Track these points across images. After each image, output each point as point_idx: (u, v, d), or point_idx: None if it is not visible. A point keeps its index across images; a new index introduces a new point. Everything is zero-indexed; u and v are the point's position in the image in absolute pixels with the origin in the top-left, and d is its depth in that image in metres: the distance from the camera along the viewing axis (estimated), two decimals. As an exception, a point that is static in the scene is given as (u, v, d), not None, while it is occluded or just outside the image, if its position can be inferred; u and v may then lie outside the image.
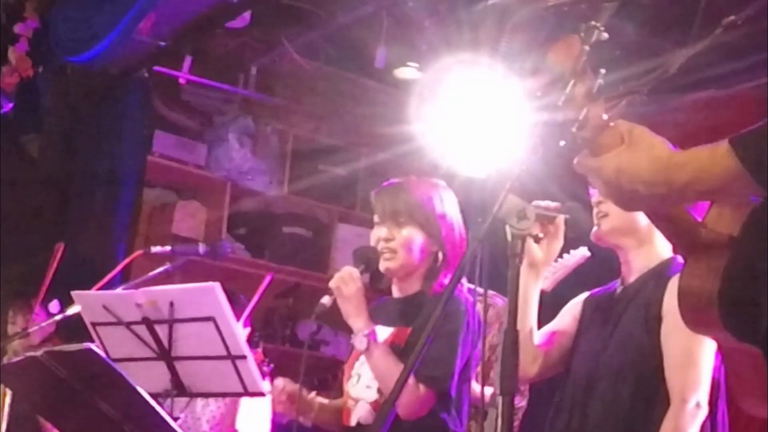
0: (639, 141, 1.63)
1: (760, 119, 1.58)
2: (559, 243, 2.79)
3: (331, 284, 3.10)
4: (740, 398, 1.81)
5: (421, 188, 3.20)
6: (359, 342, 3.02)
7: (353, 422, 3.11)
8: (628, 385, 2.73)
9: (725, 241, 1.66)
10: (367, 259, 3.16)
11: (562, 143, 1.63)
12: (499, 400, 2.11)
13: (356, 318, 3.04)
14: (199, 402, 4.26)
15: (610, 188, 1.64)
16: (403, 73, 5.65)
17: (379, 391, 3.07)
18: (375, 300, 3.31)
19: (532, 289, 2.83)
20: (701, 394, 2.66)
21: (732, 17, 1.67)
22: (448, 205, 3.19)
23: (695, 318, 1.70)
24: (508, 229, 2.32)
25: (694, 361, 2.66)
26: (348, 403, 3.16)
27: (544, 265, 2.82)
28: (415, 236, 3.14)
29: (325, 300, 3.10)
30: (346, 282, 3.06)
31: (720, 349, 1.78)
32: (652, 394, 2.70)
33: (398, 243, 3.14)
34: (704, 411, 2.65)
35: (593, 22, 1.64)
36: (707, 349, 2.67)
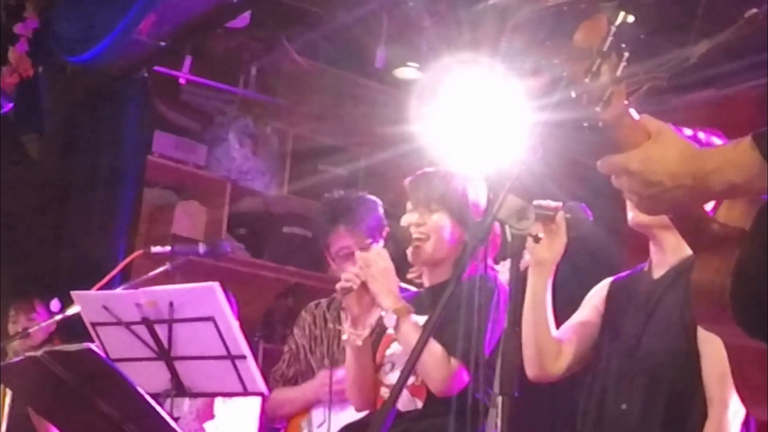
0: (667, 136, 1.62)
1: (760, 119, 1.58)
2: (563, 239, 2.77)
3: (359, 263, 3.08)
4: (745, 400, 1.80)
5: (455, 177, 3.23)
6: (388, 320, 3.02)
7: None
8: (663, 389, 2.69)
9: (737, 236, 1.65)
10: (395, 238, 3.19)
11: (585, 124, 1.62)
12: (499, 400, 2.11)
13: (385, 296, 3.03)
14: (187, 400, 4.27)
15: (635, 182, 1.63)
16: (403, 73, 5.65)
17: (415, 373, 3.06)
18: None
19: (543, 288, 2.81)
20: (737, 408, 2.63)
21: (755, 10, 1.67)
22: (481, 195, 3.22)
23: (706, 313, 1.69)
24: (508, 229, 2.32)
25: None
26: (381, 391, 3.16)
27: (552, 263, 2.81)
28: (446, 223, 3.17)
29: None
30: (375, 260, 3.06)
31: (727, 349, 1.77)
32: (688, 396, 2.66)
33: (429, 228, 3.17)
34: (742, 414, 2.63)
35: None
36: None
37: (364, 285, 3.04)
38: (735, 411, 2.60)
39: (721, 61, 4.56)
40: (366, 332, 3.11)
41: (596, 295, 2.97)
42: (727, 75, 4.78)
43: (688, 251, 2.76)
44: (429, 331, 2.21)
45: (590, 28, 1.61)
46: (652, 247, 2.85)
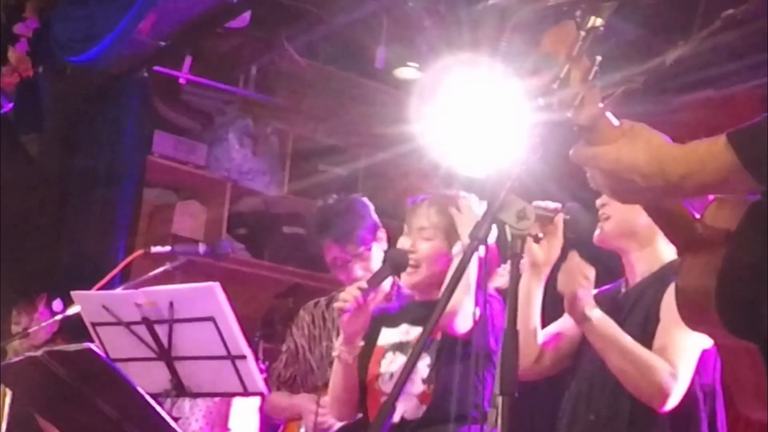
0: (638, 134, 1.62)
1: (759, 119, 1.57)
2: (559, 241, 2.78)
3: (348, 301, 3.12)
4: (738, 400, 1.80)
5: (451, 201, 3.24)
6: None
7: (396, 418, 3.11)
8: (628, 394, 2.72)
9: (723, 237, 1.65)
10: (393, 261, 3.20)
11: (556, 130, 1.63)
12: (499, 400, 2.11)
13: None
14: (187, 402, 4.26)
15: (607, 178, 1.63)
16: (403, 73, 5.65)
17: (424, 381, 3.10)
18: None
19: (534, 289, 2.83)
20: (679, 369, 2.64)
21: (731, 11, 1.67)
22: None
23: (693, 316, 1.69)
24: (507, 229, 2.32)
25: (680, 351, 2.65)
26: (382, 399, 3.16)
27: (546, 265, 2.82)
28: (440, 249, 3.18)
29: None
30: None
31: (717, 349, 1.77)
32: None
33: (421, 256, 3.19)
34: (675, 400, 2.63)
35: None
36: (693, 346, 2.67)
37: (360, 306, 3.07)
38: (670, 374, 2.61)
39: (721, 61, 4.56)
40: (357, 350, 3.15)
41: None
42: (727, 75, 4.78)
43: (656, 266, 2.82)
44: (421, 345, 2.20)
45: (558, 35, 1.62)
46: (624, 266, 2.89)
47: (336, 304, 3.11)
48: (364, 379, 3.22)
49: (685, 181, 1.57)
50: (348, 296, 3.06)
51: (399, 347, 3.22)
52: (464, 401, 2.98)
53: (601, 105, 1.62)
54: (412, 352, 2.28)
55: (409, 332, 3.21)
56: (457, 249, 3.09)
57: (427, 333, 2.23)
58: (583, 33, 1.60)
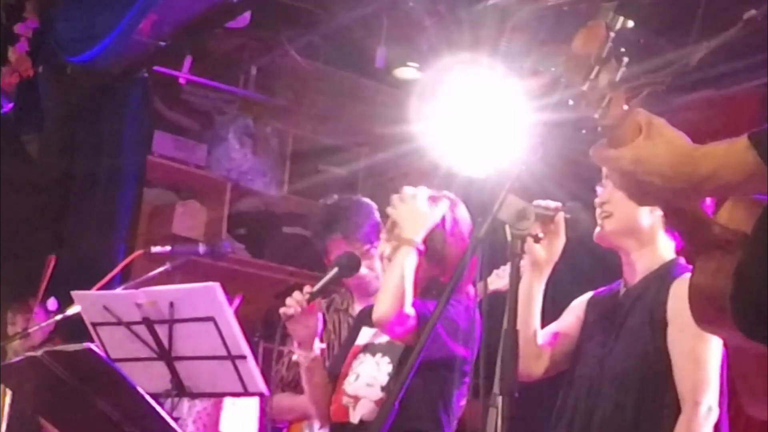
0: (658, 133, 1.61)
1: (760, 119, 1.57)
2: (561, 241, 2.78)
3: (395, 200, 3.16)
4: (745, 402, 1.80)
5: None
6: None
7: (355, 419, 3.11)
8: (632, 391, 2.72)
9: (738, 239, 1.64)
10: (340, 264, 3.33)
11: (582, 131, 1.62)
12: (499, 400, 2.11)
13: (403, 225, 3.11)
14: (186, 403, 4.26)
15: (626, 180, 1.62)
16: (403, 73, 5.65)
17: (383, 389, 3.08)
18: None
19: (535, 289, 2.83)
20: (712, 397, 2.65)
21: (753, 12, 1.66)
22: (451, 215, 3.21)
23: (706, 316, 1.68)
24: (508, 229, 2.32)
25: (702, 364, 2.66)
26: (344, 400, 3.16)
27: (547, 264, 2.82)
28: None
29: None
30: (406, 200, 3.11)
31: (727, 349, 1.77)
32: (658, 399, 2.69)
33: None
34: (715, 413, 2.65)
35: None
36: (714, 351, 2.67)
37: (305, 310, 3.14)
38: (707, 411, 2.63)
39: (721, 61, 4.56)
40: (313, 353, 3.19)
41: (578, 308, 3.03)
42: (727, 75, 4.78)
43: (656, 264, 2.82)
44: (427, 334, 2.21)
45: (589, 35, 1.61)
46: (623, 265, 2.89)
47: (281, 309, 3.16)
48: (338, 377, 3.23)
49: (708, 183, 1.57)
50: (291, 301, 3.13)
51: (367, 348, 3.21)
52: (418, 411, 3.00)
53: (626, 107, 1.61)
54: (403, 372, 2.28)
55: (378, 333, 3.20)
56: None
57: (415, 356, 2.23)
58: (612, 34, 1.60)
